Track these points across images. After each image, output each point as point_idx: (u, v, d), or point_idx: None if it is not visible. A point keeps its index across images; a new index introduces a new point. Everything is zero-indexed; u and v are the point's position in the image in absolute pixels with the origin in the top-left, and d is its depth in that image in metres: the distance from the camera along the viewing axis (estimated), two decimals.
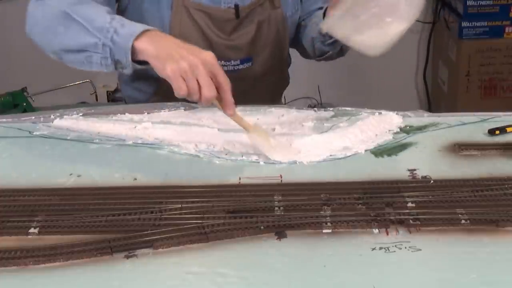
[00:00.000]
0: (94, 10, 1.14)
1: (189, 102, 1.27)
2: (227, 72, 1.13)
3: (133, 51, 1.08)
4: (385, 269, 0.82)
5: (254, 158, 1.09)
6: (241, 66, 1.38)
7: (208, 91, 1.02)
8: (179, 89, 1.01)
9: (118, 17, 1.12)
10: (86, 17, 1.11)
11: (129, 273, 0.82)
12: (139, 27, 1.09)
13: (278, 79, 1.52)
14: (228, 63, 1.37)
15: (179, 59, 1.02)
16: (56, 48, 1.16)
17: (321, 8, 1.42)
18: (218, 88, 1.04)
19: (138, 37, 1.07)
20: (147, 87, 1.42)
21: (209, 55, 1.04)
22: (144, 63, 1.09)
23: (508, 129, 1.17)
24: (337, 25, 1.17)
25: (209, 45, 1.34)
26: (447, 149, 1.12)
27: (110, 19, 1.10)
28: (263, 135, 1.11)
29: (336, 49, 1.39)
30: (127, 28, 1.09)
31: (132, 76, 1.40)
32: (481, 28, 2.55)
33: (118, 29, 1.09)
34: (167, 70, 1.02)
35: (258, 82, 1.42)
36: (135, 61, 1.09)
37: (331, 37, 1.30)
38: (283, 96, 1.64)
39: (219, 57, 1.32)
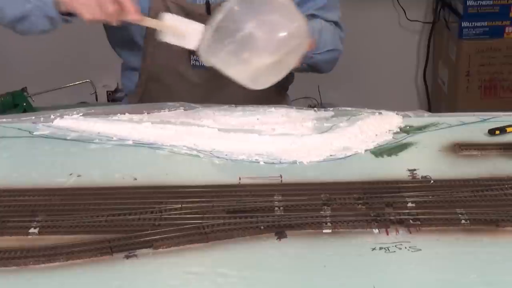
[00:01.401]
0: None
1: (189, 102, 1.28)
2: (200, 68, 1.33)
3: (58, 5, 1.22)
4: (385, 269, 0.82)
5: (254, 158, 1.10)
6: None
7: (107, 7, 1.12)
8: (83, 14, 1.15)
9: None
10: None
11: (129, 273, 0.82)
12: None
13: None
14: (198, 57, 1.37)
15: None
16: (6, 21, 1.31)
17: (312, 15, 1.40)
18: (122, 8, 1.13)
19: None
20: (132, 77, 1.49)
21: None
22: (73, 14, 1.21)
23: (508, 129, 1.17)
24: (208, 57, 1.12)
25: None
26: (447, 149, 1.12)
27: None
28: (175, 25, 1.15)
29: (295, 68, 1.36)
30: None
31: (122, 66, 1.53)
32: (481, 28, 2.55)
33: None
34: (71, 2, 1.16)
35: (232, 82, 1.41)
36: (64, 14, 1.23)
37: None
38: (290, 103, 1.62)
39: (193, 52, 1.37)
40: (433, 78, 2.93)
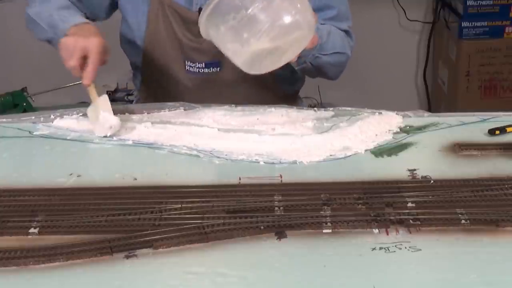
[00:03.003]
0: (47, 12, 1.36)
1: (189, 102, 1.28)
2: (193, 74, 1.36)
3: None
4: (385, 269, 0.82)
5: (254, 158, 1.10)
6: (206, 70, 1.39)
7: (72, 60, 1.22)
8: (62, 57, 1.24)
9: (62, 13, 1.34)
10: (44, 19, 1.35)
11: (129, 273, 0.82)
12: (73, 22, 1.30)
13: (261, 90, 1.45)
14: (193, 64, 1.39)
15: (73, 36, 1.25)
16: (39, 39, 1.41)
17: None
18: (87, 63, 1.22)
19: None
20: (138, 75, 1.52)
21: (94, 39, 1.22)
22: None
23: (508, 129, 1.17)
24: (207, 28, 1.09)
25: (178, 44, 1.38)
26: (447, 149, 1.12)
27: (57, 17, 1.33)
28: (99, 108, 1.20)
29: (299, 66, 1.36)
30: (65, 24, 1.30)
31: (131, 65, 1.55)
32: (481, 28, 2.55)
33: (59, 25, 1.31)
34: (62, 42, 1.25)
35: (229, 89, 1.41)
36: None
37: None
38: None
39: (187, 58, 1.38)
40: (433, 78, 2.93)
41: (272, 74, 1.28)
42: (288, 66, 1.46)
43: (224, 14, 1.03)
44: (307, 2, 1.07)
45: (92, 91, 1.23)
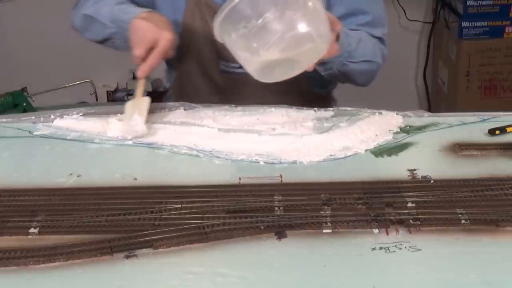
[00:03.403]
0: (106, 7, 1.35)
1: (189, 102, 1.28)
2: (227, 73, 1.32)
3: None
4: (385, 269, 0.82)
5: (254, 158, 1.10)
6: (240, 70, 1.38)
7: (138, 49, 1.21)
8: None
9: (122, 7, 1.33)
10: (105, 15, 1.34)
11: (129, 273, 0.82)
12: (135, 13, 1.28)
13: (293, 91, 1.43)
14: (227, 64, 1.38)
15: (148, 20, 1.24)
16: (93, 39, 1.41)
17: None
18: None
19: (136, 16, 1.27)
20: (171, 70, 1.54)
21: (165, 34, 1.21)
22: None
23: (508, 129, 1.17)
24: (221, 33, 1.08)
25: (213, 43, 1.36)
26: (447, 149, 1.12)
27: (118, 11, 1.32)
28: (135, 108, 1.20)
29: (326, 72, 1.34)
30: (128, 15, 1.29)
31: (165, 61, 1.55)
32: (481, 28, 2.55)
33: (122, 17, 1.30)
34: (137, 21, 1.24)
35: (262, 90, 1.41)
36: None
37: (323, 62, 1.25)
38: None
39: (221, 57, 1.35)
40: (433, 78, 2.93)
41: (304, 76, 1.26)
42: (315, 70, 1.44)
43: (235, 22, 1.02)
44: (323, 14, 1.05)
45: (141, 87, 1.24)
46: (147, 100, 1.23)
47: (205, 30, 1.36)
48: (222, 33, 1.06)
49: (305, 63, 1.08)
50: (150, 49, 1.20)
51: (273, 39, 1.00)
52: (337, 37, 1.21)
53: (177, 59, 1.44)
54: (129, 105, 1.23)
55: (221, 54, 1.37)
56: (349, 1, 1.36)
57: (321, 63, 1.23)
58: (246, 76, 1.37)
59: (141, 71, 1.21)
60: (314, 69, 1.13)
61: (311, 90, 1.47)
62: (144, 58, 1.21)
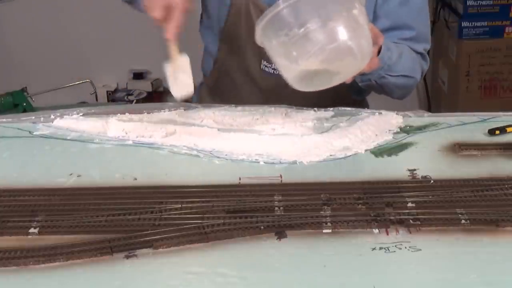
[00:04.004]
0: None
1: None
2: (268, 74, 1.33)
3: None
4: (385, 269, 0.82)
5: (254, 158, 1.10)
6: None
7: (156, 12, 1.14)
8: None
9: None
10: None
11: (129, 273, 0.82)
12: None
13: (330, 96, 1.35)
14: (270, 64, 1.37)
15: None
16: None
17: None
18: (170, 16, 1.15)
19: None
20: (209, 61, 1.50)
21: None
22: None
23: (508, 129, 1.17)
24: (262, 38, 1.06)
25: (256, 44, 1.35)
26: (447, 149, 1.12)
27: None
28: (178, 69, 1.18)
29: (364, 83, 1.32)
30: None
31: (205, 48, 1.52)
32: (481, 28, 2.55)
33: None
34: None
35: (301, 93, 1.40)
36: None
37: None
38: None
39: (264, 58, 1.36)
40: (433, 78, 2.93)
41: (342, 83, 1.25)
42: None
43: (277, 28, 1.01)
44: (366, 28, 1.03)
45: (173, 47, 1.18)
46: (186, 58, 1.19)
47: (250, 28, 1.33)
48: (263, 37, 1.06)
49: (344, 76, 1.07)
50: (167, 8, 1.14)
51: (313, 50, 0.99)
52: (379, 50, 1.20)
53: (217, 53, 1.44)
54: (169, 67, 1.19)
55: (264, 54, 1.36)
56: (396, 15, 1.34)
57: (360, 74, 1.22)
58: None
59: (169, 32, 1.15)
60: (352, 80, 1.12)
61: (349, 95, 1.46)
62: (163, 19, 1.15)
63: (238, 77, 1.44)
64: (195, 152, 1.12)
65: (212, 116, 1.24)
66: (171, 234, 0.87)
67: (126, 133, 1.18)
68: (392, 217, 0.91)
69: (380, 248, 0.85)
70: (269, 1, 1.34)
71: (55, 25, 2.82)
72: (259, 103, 1.30)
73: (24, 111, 2.26)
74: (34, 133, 1.20)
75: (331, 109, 1.27)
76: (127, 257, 0.85)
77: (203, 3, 1.45)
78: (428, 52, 1.42)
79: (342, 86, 1.34)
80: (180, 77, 1.17)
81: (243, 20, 1.37)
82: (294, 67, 1.03)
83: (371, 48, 1.05)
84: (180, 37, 1.16)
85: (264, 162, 1.08)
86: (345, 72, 1.06)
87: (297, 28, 1.00)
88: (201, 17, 1.49)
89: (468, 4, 2.54)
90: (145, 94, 2.86)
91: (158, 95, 2.91)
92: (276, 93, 1.38)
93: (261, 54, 1.37)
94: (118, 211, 0.93)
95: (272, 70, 1.38)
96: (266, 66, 1.39)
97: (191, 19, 1.35)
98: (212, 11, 1.41)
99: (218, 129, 1.18)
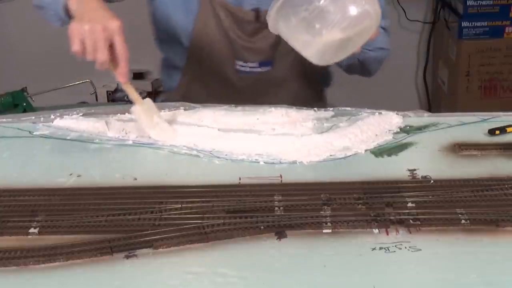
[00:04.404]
0: None
1: (189, 102, 1.28)
2: (244, 73, 1.32)
3: (68, 11, 1.20)
4: (385, 269, 0.82)
5: (254, 158, 1.10)
6: (258, 69, 1.39)
7: (100, 54, 1.08)
8: (72, 45, 1.09)
9: None
10: None
11: (129, 273, 0.82)
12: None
13: (304, 86, 1.49)
14: (246, 64, 1.39)
15: (86, 21, 1.09)
16: (34, 4, 1.34)
17: None
18: (115, 56, 1.10)
19: None
20: (174, 75, 1.50)
21: (114, 24, 1.08)
22: None
23: (508, 129, 1.17)
24: (277, 22, 1.08)
25: (229, 44, 1.37)
26: (447, 149, 1.12)
27: None
28: (148, 111, 1.16)
29: (348, 62, 1.36)
30: None
31: (163, 62, 1.53)
32: (481, 28, 2.55)
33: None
34: (70, 27, 1.10)
35: (278, 88, 1.41)
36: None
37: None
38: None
39: (238, 58, 1.37)
40: (433, 78, 2.93)
41: (314, 71, 1.35)
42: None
43: (296, 6, 1.04)
44: None
45: (131, 89, 1.16)
46: (150, 101, 1.19)
47: (220, 31, 1.36)
48: (279, 20, 1.07)
49: (360, 42, 1.11)
50: (110, 47, 1.09)
51: (335, 19, 1.03)
52: None
53: (186, 63, 1.44)
54: (137, 111, 1.17)
55: (239, 54, 1.38)
56: None
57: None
58: (264, 75, 1.38)
59: (121, 75, 1.11)
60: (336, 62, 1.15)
61: (318, 86, 1.52)
62: (110, 59, 1.10)
63: (211, 83, 1.44)
64: (195, 152, 1.12)
65: (212, 116, 1.24)
66: (171, 234, 0.88)
67: (126, 133, 1.18)
68: (392, 217, 0.91)
69: (380, 248, 0.85)
70: (235, 2, 1.36)
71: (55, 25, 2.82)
72: (237, 105, 1.30)
73: (24, 111, 2.25)
74: (34, 133, 1.19)
75: (331, 109, 1.27)
76: (127, 257, 0.85)
77: (158, 21, 1.42)
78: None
79: (312, 76, 1.43)
80: (159, 122, 1.16)
81: (212, 24, 1.37)
82: (317, 40, 1.05)
83: (379, 10, 1.09)
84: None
85: (264, 162, 1.08)
86: (362, 37, 1.10)
87: (316, 1, 1.03)
88: (163, 32, 1.44)
89: (468, 4, 2.53)
90: (145, 94, 2.86)
91: (158, 95, 2.91)
92: (253, 92, 1.40)
93: (236, 54, 1.38)
94: (118, 211, 0.93)
95: (249, 69, 1.39)
96: (242, 65, 1.40)
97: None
98: (176, 19, 1.38)
99: (218, 129, 1.18)
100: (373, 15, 1.06)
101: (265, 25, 1.25)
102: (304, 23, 1.04)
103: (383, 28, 1.43)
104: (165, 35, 1.44)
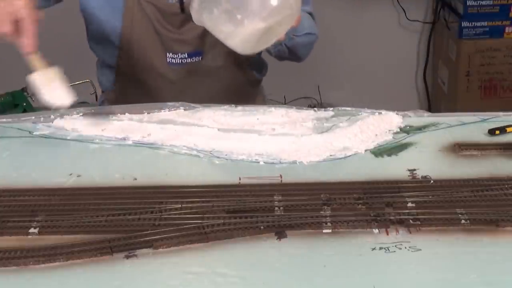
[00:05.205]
0: None
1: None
2: (175, 65, 1.37)
3: None
4: (385, 269, 0.82)
5: (254, 158, 1.10)
6: (189, 60, 1.41)
7: (1, 25, 1.09)
8: None
9: None
10: None
11: (129, 273, 0.82)
12: None
13: (238, 76, 1.51)
14: (175, 55, 1.40)
15: None
16: None
17: None
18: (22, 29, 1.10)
19: None
20: (108, 74, 1.51)
21: (20, 1, 1.10)
22: None
23: (508, 129, 1.17)
24: (200, 14, 1.09)
25: (158, 38, 1.39)
26: (447, 149, 1.12)
27: None
28: (50, 79, 1.15)
29: (276, 49, 1.40)
30: None
31: (98, 63, 1.55)
32: (481, 28, 2.55)
33: None
34: None
35: (210, 77, 1.43)
36: None
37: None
38: (264, 97, 1.64)
39: (168, 50, 1.40)
40: (433, 78, 2.93)
41: (247, 60, 1.40)
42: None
43: None
44: None
45: (36, 59, 1.14)
46: (55, 69, 1.18)
47: (148, 26, 1.38)
48: (202, 12, 1.08)
49: (281, 31, 1.11)
50: (15, 22, 1.10)
51: (257, 9, 1.04)
52: None
53: (117, 61, 1.44)
54: (33, 78, 1.15)
55: (168, 46, 1.39)
56: None
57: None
58: (195, 66, 1.41)
59: (28, 45, 1.12)
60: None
61: (252, 74, 1.54)
62: (14, 33, 1.11)
63: (146, 78, 1.45)
64: (195, 152, 1.12)
65: (212, 116, 1.24)
66: (171, 234, 0.88)
67: (126, 133, 1.18)
68: (392, 217, 0.91)
69: (380, 248, 0.85)
70: None
71: (55, 25, 2.82)
72: (173, 97, 1.32)
73: (24, 111, 2.25)
74: (34, 133, 1.19)
75: (331, 109, 1.27)
76: (127, 257, 0.85)
77: (88, 18, 1.44)
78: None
79: (245, 64, 1.47)
80: (54, 86, 1.15)
81: (138, 19, 1.38)
82: (239, 30, 1.06)
83: (300, 1, 1.10)
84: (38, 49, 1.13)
85: (264, 162, 1.08)
86: (283, 26, 1.10)
87: None
88: (91, 33, 1.47)
89: (468, 4, 2.53)
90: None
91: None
92: (185, 83, 1.42)
93: (166, 47, 1.40)
94: (118, 211, 0.93)
95: (180, 60, 1.40)
96: (172, 58, 1.41)
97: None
98: (103, 19, 1.39)
99: (218, 129, 1.18)
100: (293, 4, 1.07)
101: (191, 16, 1.28)
102: (226, 14, 1.06)
103: (309, 13, 1.47)
104: (95, 33, 1.45)
